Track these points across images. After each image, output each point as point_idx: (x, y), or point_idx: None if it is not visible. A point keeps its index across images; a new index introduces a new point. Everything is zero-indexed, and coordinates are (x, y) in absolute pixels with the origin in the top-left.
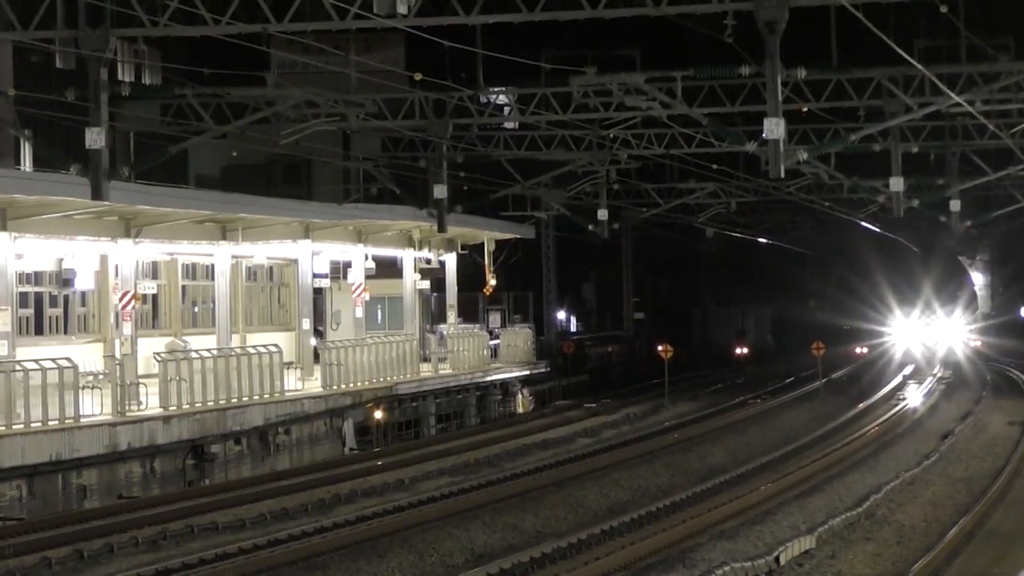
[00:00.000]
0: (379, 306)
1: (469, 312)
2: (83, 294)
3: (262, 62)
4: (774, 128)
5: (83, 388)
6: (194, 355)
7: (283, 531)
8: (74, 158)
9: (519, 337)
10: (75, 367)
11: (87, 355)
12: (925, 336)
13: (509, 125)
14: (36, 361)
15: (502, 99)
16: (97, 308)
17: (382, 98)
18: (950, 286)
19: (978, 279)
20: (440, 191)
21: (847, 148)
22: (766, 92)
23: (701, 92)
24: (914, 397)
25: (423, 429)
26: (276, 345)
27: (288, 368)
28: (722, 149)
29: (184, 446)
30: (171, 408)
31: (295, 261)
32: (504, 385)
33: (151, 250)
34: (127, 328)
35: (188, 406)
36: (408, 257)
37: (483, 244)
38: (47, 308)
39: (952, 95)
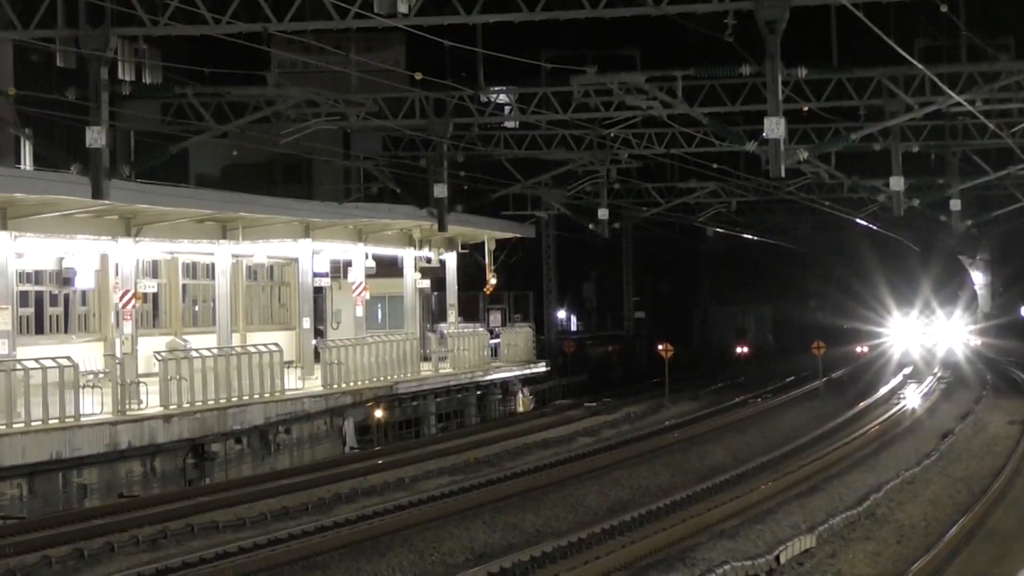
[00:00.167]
0: (379, 305)
1: (469, 311)
2: (83, 293)
3: (262, 61)
4: (774, 127)
5: (83, 387)
6: (194, 354)
7: (283, 530)
8: (74, 157)
9: (519, 336)
10: (75, 366)
11: (87, 354)
12: (925, 336)
13: (509, 124)
14: (36, 360)
15: (502, 98)
16: (97, 307)
17: (382, 97)
18: (950, 286)
19: (978, 279)
20: (440, 190)
21: (847, 147)
22: (766, 91)
23: (702, 91)
24: (914, 397)
25: (423, 428)
26: (276, 344)
27: (288, 367)
28: (722, 148)
29: (184, 445)
30: (171, 407)
31: (295, 260)
32: (504, 384)
33: (151, 249)
34: (127, 327)
35: (188, 405)
36: (408, 256)
37: (483, 243)
38: (47, 307)
39: (952, 95)
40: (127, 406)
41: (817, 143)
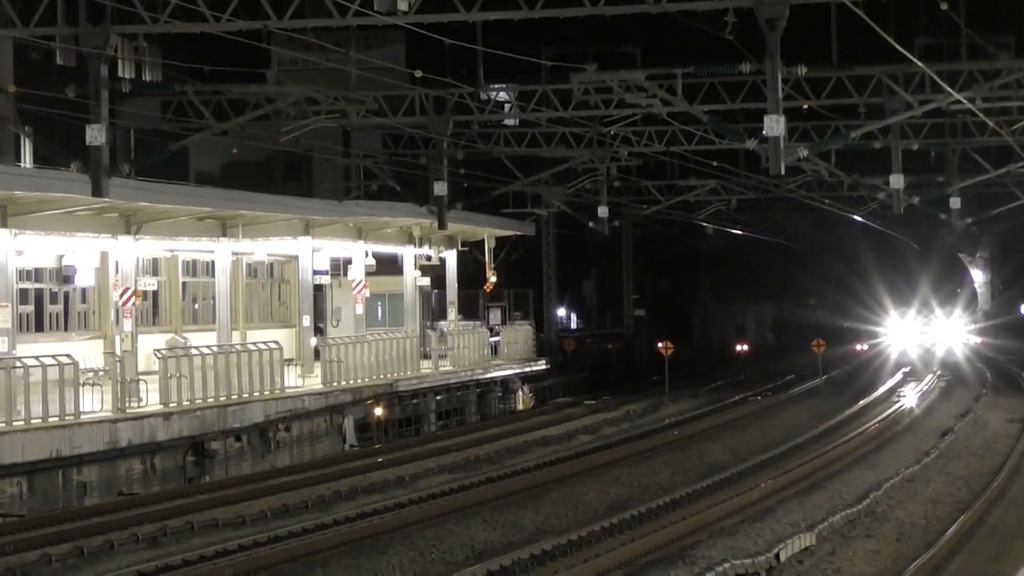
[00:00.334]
0: (379, 303)
1: (469, 309)
2: (83, 291)
3: (262, 59)
4: (774, 125)
5: (83, 385)
6: (194, 352)
7: (283, 528)
8: (74, 155)
9: (519, 334)
10: (75, 364)
11: (87, 352)
12: (925, 335)
13: (509, 122)
14: (36, 358)
15: (502, 96)
16: (97, 305)
17: (382, 95)
18: (950, 284)
19: (978, 277)
20: (440, 188)
21: (847, 145)
22: (766, 89)
23: (702, 89)
24: (913, 395)
25: (423, 426)
26: (276, 342)
27: (288, 365)
28: (723, 146)
29: (184, 443)
30: (171, 405)
31: (295, 258)
32: (504, 382)
33: (151, 247)
34: (127, 325)
35: (188, 403)
36: (408, 254)
37: (483, 241)
38: (47, 305)
39: (952, 92)
40: (127, 404)
41: (817, 141)
